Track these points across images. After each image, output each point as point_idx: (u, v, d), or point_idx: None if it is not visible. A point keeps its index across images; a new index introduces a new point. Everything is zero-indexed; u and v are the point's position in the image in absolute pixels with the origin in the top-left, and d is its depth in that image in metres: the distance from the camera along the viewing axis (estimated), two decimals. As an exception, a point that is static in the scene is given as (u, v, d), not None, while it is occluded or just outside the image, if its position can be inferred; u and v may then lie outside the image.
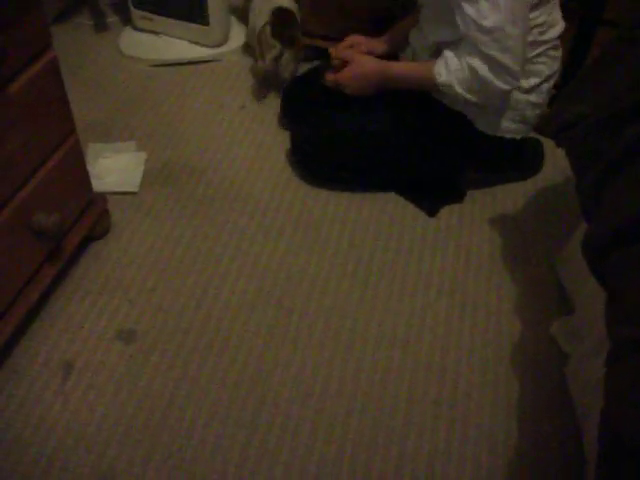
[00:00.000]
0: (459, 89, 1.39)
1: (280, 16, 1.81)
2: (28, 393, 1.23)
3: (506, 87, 1.37)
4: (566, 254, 1.43)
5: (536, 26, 1.37)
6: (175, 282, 1.44)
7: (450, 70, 1.39)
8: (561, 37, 1.46)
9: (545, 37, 1.40)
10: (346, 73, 1.55)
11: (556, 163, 1.74)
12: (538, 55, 1.42)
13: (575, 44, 1.77)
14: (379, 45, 1.66)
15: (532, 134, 1.56)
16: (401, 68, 1.53)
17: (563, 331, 1.32)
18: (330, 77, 1.57)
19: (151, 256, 1.49)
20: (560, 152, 1.21)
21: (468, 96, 1.40)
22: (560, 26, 1.43)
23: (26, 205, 1.18)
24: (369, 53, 1.62)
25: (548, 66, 1.45)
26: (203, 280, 1.44)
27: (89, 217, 1.41)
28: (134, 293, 1.41)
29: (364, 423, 1.21)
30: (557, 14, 1.42)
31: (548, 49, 1.42)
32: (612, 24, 1.69)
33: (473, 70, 1.36)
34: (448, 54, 1.40)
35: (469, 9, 1.28)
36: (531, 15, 1.34)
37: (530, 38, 1.37)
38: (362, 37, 1.67)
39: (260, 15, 1.88)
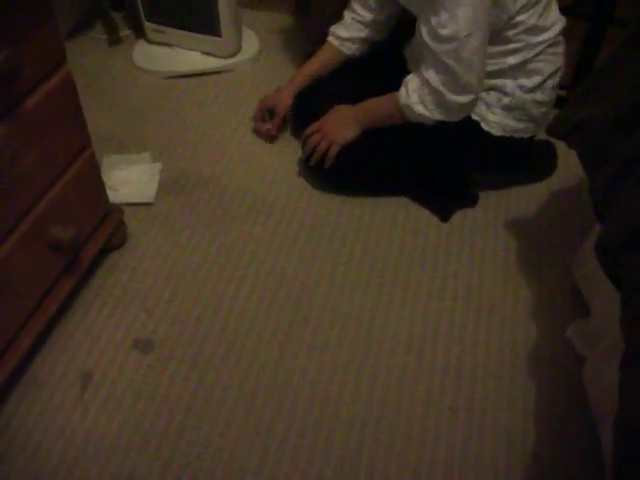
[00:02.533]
0: (418, 107, 1.42)
1: None
2: (48, 403, 1.24)
3: (461, 100, 1.38)
4: (581, 256, 1.43)
5: (527, 30, 1.37)
6: (191, 292, 1.45)
7: (409, 90, 1.42)
8: (563, 33, 1.46)
9: (541, 38, 1.40)
10: (325, 121, 1.60)
11: (569, 165, 1.73)
12: (537, 54, 1.42)
13: (586, 44, 1.77)
14: (287, 96, 1.75)
15: (544, 136, 1.56)
16: (372, 100, 1.55)
17: (579, 334, 1.31)
18: (313, 139, 1.61)
19: (167, 266, 1.50)
20: (573, 154, 1.21)
21: (427, 114, 1.42)
22: (558, 25, 1.43)
23: (43, 219, 1.19)
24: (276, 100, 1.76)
25: (549, 63, 1.45)
26: (219, 289, 1.45)
27: (105, 229, 1.43)
28: (151, 303, 1.42)
29: (381, 430, 1.21)
30: (553, 14, 1.42)
31: (547, 47, 1.42)
32: (623, 24, 1.68)
33: (428, 83, 1.38)
34: (409, 76, 1.44)
35: (432, 19, 1.30)
36: (519, 19, 1.35)
37: (520, 44, 1.39)
38: (267, 99, 1.80)
39: None
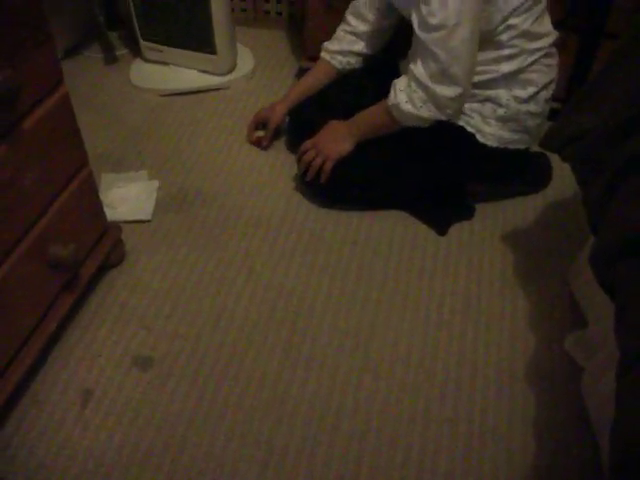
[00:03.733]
0: (407, 106, 1.42)
1: None
2: (49, 421, 1.25)
3: (448, 92, 1.38)
4: (577, 267, 1.44)
5: (520, 35, 1.39)
6: (190, 308, 1.46)
7: (397, 90, 1.43)
8: (556, 45, 1.48)
9: (535, 45, 1.42)
10: (319, 137, 1.62)
11: (565, 176, 1.75)
12: (532, 64, 1.44)
13: (579, 57, 1.78)
14: (280, 111, 1.79)
15: (538, 149, 1.57)
16: (363, 111, 1.57)
17: (577, 345, 1.32)
18: (308, 155, 1.63)
19: (166, 283, 1.51)
20: (568, 166, 1.22)
21: (415, 111, 1.42)
22: (551, 36, 1.45)
23: (42, 237, 1.20)
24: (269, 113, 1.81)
25: (543, 74, 1.47)
26: (217, 305, 1.46)
27: (104, 246, 1.44)
28: (150, 320, 1.43)
29: (381, 442, 1.22)
30: (546, 23, 1.44)
31: (541, 57, 1.44)
32: (615, 37, 1.70)
33: (415, 78, 1.38)
34: (397, 79, 1.45)
35: (423, 9, 1.31)
36: (512, 22, 1.36)
37: (514, 50, 1.40)
38: (261, 112, 1.84)
39: None
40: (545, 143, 1.24)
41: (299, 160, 1.66)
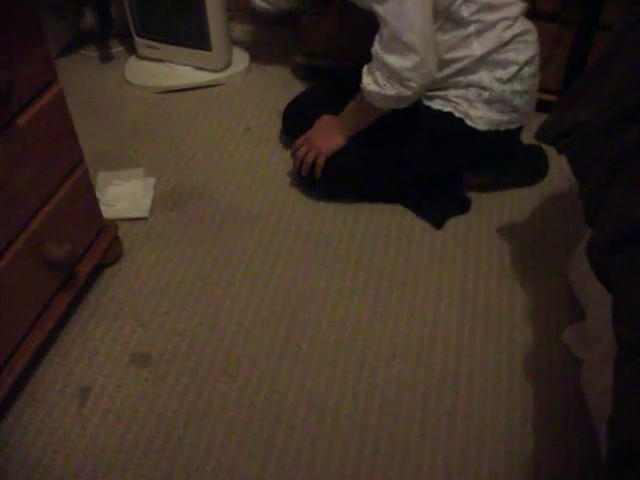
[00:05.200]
0: (372, 87, 1.42)
1: None
2: (46, 419, 1.24)
3: (405, 63, 1.35)
4: (575, 260, 1.43)
5: (481, 8, 1.39)
6: (187, 305, 1.45)
7: (363, 74, 1.44)
8: (526, 16, 1.47)
9: (499, 15, 1.41)
10: (311, 132, 1.63)
11: (562, 169, 1.75)
12: (506, 43, 1.43)
13: (573, 50, 1.78)
14: None
15: (533, 140, 1.57)
16: (349, 104, 1.58)
17: (575, 337, 1.32)
18: (300, 151, 1.64)
19: (163, 280, 1.51)
20: (565, 157, 1.22)
21: (379, 89, 1.41)
22: (516, 5, 1.44)
23: (37, 236, 1.20)
24: None
25: (521, 52, 1.45)
26: (215, 302, 1.46)
27: (100, 244, 1.43)
28: (147, 317, 1.43)
29: (379, 438, 1.22)
30: None
31: (518, 35, 1.44)
32: (609, 29, 1.70)
33: (375, 58, 1.39)
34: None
35: None
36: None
37: (479, 25, 1.40)
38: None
39: None
40: (540, 135, 1.24)
41: (293, 156, 1.66)
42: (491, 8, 1.40)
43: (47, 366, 1.33)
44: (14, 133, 1.09)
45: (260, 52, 2.24)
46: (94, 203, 1.40)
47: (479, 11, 1.39)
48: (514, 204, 1.70)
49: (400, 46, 1.34)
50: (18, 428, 1.23)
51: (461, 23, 1.40)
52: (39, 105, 1.14)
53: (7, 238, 1.13)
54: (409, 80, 1.38)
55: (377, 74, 1.41)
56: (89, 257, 1.40)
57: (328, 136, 1.60)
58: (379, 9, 1.34)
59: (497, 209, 1.68)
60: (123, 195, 1.68)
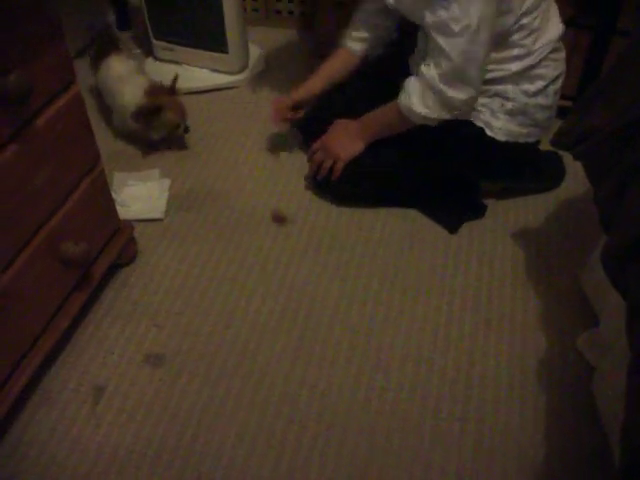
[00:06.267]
0: (420, 108, 1.41)
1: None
2: (60, 417, 1.25)
3: (461, 96, 1.38)
4: (590, 266, 1.43)
5: (530, 34, 1.38)
6: (202, 306, 1.46)
7: (410, 92, 1.42)
8: (567, 43, 1.47)
9: (543, 41, 1.41)
10: (329, 137, 1.62)
11: (577, 175, 1.74)
12: (539, 61, 1.43)
13: (590, 55, 1.78)
14: (302, 92, 1.74)
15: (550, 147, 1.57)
16: (373, 112, 1.56)
17: (589, 344, 1.31)
18: (317, 156, 1.63)
19: (177, 281, 1.52)
20: (580, 163, 1.22)
21: (429, 112, 1.41)
22: (558, 28, 1.44)
23: (54, 235, 1.21)
24: (295, 104, 1.74)
25: (551, 69, 1.46)
26: (229, 303, 1.47)
27: (116, 244, 1.45)
28: (162, 317, 1.44)
29: (391, 440, 1.21)
30: (553, 16, 1.43)
31: (549, 53, 1.44)
32: (626, 34, 1.69)
33: (428, 81, 1.38)
34: (408, 79, 1.44)
35: (443, 13, 1.29)
36: (523, 21, 1.36)
37: (523, 50, 1.40)
38: (283, 97, 1.78)
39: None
40: (556, 141, 1.23)
41: (310, 160, 1.66)
42: (538, 33, 1.40)
43: (61, 364, 1.34)
44: (33, 133, 1.10)
45: (276, 55, 2.25)
46: (110, 203, 1.41)
47: (527, 36, 1.39)
48: (529, 209, 1.69)
49: (460, 81, 1.36)
50: (32, 425, 1.24)
51: (508, 46, 1.41)
52: (58, 106, 1.15)
53: (25, 236, 1.14)
54: (459, 109, 1.41)
55: (428, 99, 1.40)
56: (104, 257, 1.41)
57: (347, 142, 1.59)
58: (441, 41, 1.33)
59: (512, 214, 1.68)
60: (139, 196, 1.69)
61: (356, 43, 1.69)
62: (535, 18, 1.37)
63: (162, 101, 1.77)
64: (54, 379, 1.32)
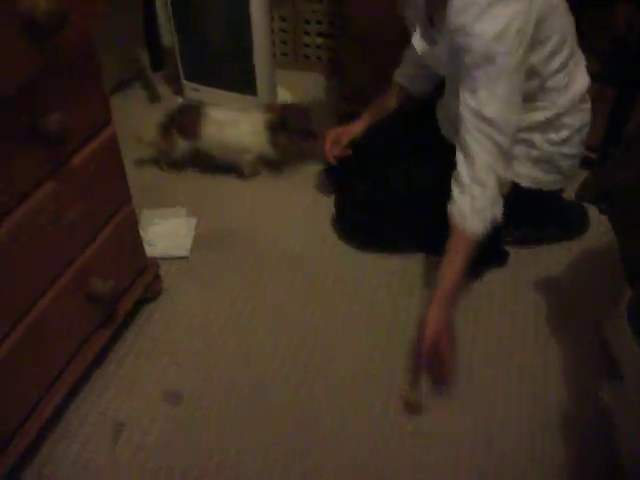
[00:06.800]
0: (481, 225, 1.34)
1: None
2: (80, 452, 1.26)
3: (509, 172, 1.36)
4: (613, 318, 1.42)
5: (556, 91, 1.39)
6: (220, 345, 1.47)
7: (466, 215, 1.33)
8: (593, 97, 1.48)
9: (568, 96, 1.42)
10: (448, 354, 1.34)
11: (601, 224, 1.73)
12: (565, 113, 1.44)
13: (614, 109, 1.79)
14: (358, 126, 1.76)
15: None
16: (441, 271, 1.40)
17: (613, 398, 1.30)
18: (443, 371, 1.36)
19: (198, 319, 1.53)
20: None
21: (490, 218, 1.35)
22: (585, 81, 1.45)
23: (84, 271, 1.23)
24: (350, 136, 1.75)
25: (578, 118, 1.47)
26: (247, 343, 1.48)
27: (142, 282, 1.47)
28: (181, 355, 1.45)
29: (409, 489, 1.21)
30: (580, 71, 1.44)
31: (576, 103, 1.45)
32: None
33: (479, 182, 1.31)
34: (452, 199, 1.36)
35: (471, 101, 1.28)
36: (549, 84, 1.37)
37: (547, 102, 1.41)
38: (339, 128, 1.78)
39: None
40: (581, 194, 1.24)
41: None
42: (564, 90, 1.41)
43: (83, 400, 1.35)
44: (69, 171, 1.13)
45: (304, 98, 2.28)
46: (138, 241, 1.43)
47: (553, 93, 1.40)
48: (551, 258, 1.69)
49: (507, 160, 1.34)
50: (52, 460, 1.25)
51: (533, 99, 1.41)
52: (93, 145, 1.19)
53: (56, 271, 1.17)
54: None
55: (480, 203, 1.32)
56: (130, 294, 1.43)
57: (448, 325, 1.35)
58: (479, 126, 1.28)
59: (534, 263, 1.67)
60: (165, 234, 1.72)
61: (402, 77, 1.72)
62: (562, 79, 1.38)
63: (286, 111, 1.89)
64: (75, 414, 1.33)
